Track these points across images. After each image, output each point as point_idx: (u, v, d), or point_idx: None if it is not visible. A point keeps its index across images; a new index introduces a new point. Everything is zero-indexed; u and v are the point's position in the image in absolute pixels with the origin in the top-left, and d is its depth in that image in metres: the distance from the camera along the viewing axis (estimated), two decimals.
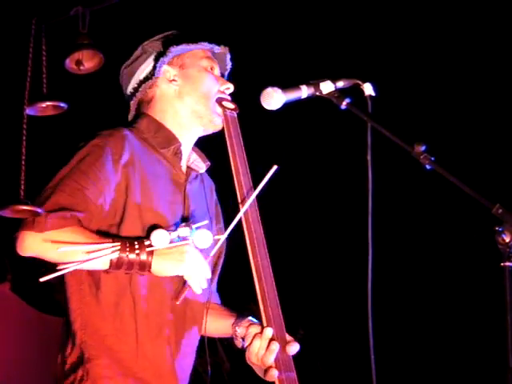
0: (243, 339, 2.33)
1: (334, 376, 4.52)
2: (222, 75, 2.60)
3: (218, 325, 2.46)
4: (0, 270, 4.30)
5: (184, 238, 2.22)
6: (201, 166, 2.56)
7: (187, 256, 2.19)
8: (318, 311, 4.50)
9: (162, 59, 2.50)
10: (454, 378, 4.25)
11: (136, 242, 2.17)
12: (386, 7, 3.92)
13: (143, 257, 2.16)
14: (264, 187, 2.31)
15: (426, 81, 4.05)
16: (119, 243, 2.16)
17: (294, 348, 2.26)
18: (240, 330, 2.36)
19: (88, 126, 2.44)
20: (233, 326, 2.39)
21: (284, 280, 2.34)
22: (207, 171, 2.61)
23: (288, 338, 2.28)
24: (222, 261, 2.62)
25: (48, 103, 1.99)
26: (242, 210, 2.30)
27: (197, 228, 2.25)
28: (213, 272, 2.58)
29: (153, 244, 2.18)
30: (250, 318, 2.37)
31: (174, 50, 2.50)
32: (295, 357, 2.26)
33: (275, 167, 2.25)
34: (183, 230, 2.23)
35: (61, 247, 2.13)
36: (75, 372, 2.27)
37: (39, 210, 2.02)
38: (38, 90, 2.00)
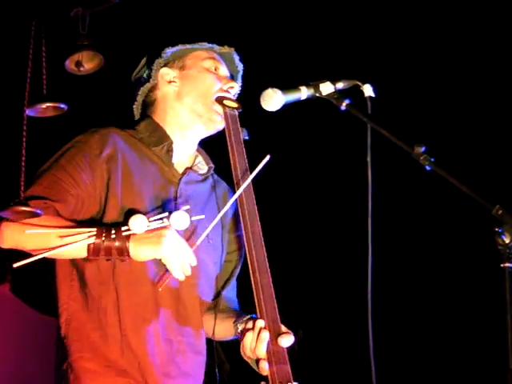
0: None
1: (333, 376, 4.52)
2: (233, 76, 2.61)
3: (222, 328, 2.44)
4: (0, 271, 4.30)
5: (162, 223, 2.19)
6: (203, 167, 2.56)
7: (165, 239, 2.16)
8: (318, 312, 4.50)
9: (157, 61, 2.52)
10: (454, 379, 4.24)
11: (113, 228, 2.17)
12: (385, 8, 3.92)
13: (119, 242, 2.15)
14: (256, 178, 2.31)
15: (426, 82, 4.05)
16: (95, 229, 2.16)
17: (286, 340, 2.20)
18: (241, 327, 2.34)
19: (88, 127, 2.44)
20: (234, 324, 2.38)
21: (283, 280, 2.34)
22: (217, 172, 2.61)
23: (283, 329, 2.24)
24: (237, 270, 2.60)
25: (48, 104, 1.99)
26: (233, 198, 2.28)
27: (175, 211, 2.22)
28: (227, 279, 2.58)
29: (131, 229, 2.16)
30: (253, 315, 2.35)
31: (170, 51, 2.52)
32: (295, 356, 2.25)
33: (268, 157, 2.21)
34: (161, 216, 2.21)
35: (30, 230, 2.12)
36: (61, 366, 2.29)
37: (39, 212, 2.02)
38: (37, 91, 2.00)
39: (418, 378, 4.34)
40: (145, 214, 2.26)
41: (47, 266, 2.31)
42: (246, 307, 2.50)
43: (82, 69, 2.07)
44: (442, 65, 4.05)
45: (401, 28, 3.97)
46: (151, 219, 2.19)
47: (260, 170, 2.26)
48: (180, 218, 2.19)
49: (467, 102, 4.06)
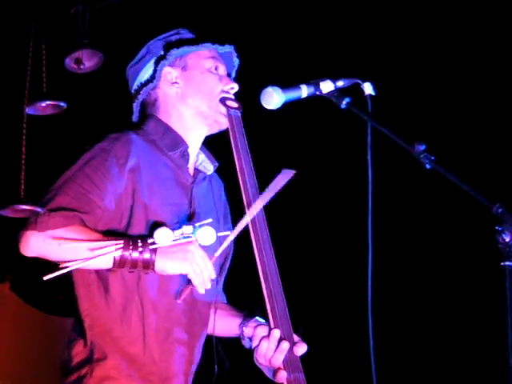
0: (250, 339, 2.34)
1: (333, 376, 4.52)
2: (229, 75, 2.60)
3: (225, 325, 2.45)
4: (0, 269, 4.30)
5: (187, 236, 2.21)
6: (209, 167, 2.56)
7: (190, 255, 2.19)
8: (318, 310, 4.50)
9: (162, 62, 2.50)
10: (454, 378, 4.25)
11: (139, 240, 2.18)
12: (385, 6, 3.92)
13: (146, 255, 2.17)
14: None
15: (426, 80, 4.05)
16: (122, 241, 2.16)
17: (302, 349, 2.25)
18: (247, 331, 2.36)
19: (88, 126, 2.44)
20: (240, 326, 2.39)
21: (283, 280, 2.34)
22: (217, 171, 2.60)
23: (296, 338, 2.27)
24: (228, 262, 2.60)
25: (48, 102, 1.99)
26: (249, 212, 2.26)
27: (200, 226, 2.24)
28: (219, 273, 2.57)
29: (156, 242, 2.17)
30: (258, 318, 2.38)
31: (175, 52, 2.50)
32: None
33: (291, 172, 2.22)
34: (187, 228, 2.23)
35: (63, 243, 2.13)
36: (79, 370, 2.27)
37: (39, 210, 2.03)
38: (37, 89, 2.00)
39: (418, 377, 4.34)
40: (168, 222, 2.28)
41: (47, 266, 2.30)
42: (248, 306, 2.50)
43: (81, 67, 2.08)
44: (443, 63, 4.05)
45: (401, 26, 3.96)
46: (176, 232, 2.20)
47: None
48: (207, 234, 2.22)
49: (467, 100, 4.06)
